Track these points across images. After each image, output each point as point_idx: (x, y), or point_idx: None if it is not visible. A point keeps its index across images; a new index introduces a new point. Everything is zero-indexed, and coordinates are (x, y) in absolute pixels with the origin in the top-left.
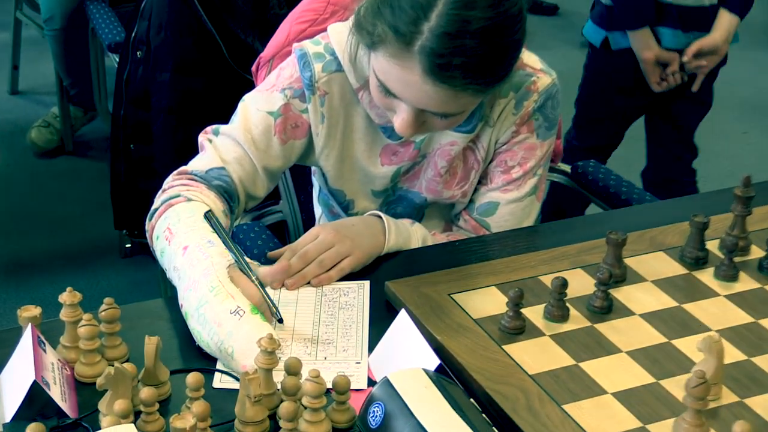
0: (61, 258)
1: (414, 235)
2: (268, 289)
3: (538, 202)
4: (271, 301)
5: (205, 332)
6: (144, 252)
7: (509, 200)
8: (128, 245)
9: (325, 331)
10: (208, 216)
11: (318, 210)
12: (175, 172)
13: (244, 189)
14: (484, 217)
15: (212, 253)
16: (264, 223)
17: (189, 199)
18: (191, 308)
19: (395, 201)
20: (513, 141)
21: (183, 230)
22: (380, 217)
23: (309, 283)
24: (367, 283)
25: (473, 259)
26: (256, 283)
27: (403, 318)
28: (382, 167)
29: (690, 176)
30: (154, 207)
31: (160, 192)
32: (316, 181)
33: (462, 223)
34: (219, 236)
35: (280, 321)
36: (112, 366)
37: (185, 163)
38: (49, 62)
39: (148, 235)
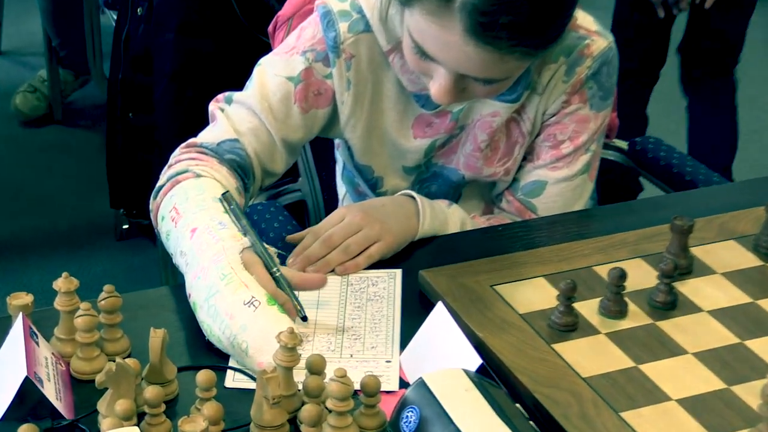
0: (50, 240)
1: (451, 217)
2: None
3: (590, 182)
4: (295, 297)
5: (215, 326)
6: (143, 234)
7: (558, 179)
8: (125, 226)
9: (352, 326)
10: (226, 198)
11: (342, 189)
12: (183, 144)
13: (260, 163)
14: (529, 197)
15: (224, 236)
16: (281, 203)
17: (198, 175)
18: (200, 299)
19: (429, 179)
20: (563, 112)
21: (191, 210)
22: (413, 197)
23: (333, 271)
24: (398, 272)
25: (518, 246)
26: (277, 274)
27: (439, 312)
28: (414, 140)
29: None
30: (159, 184)
31: (166, 168)
32: (339, 156)
33: (505, 204)
34: (234, 218)
35: (304, 319)
36: (113, 362)
37: (191, 135)
38: (36, 19)
39: (152, 215)
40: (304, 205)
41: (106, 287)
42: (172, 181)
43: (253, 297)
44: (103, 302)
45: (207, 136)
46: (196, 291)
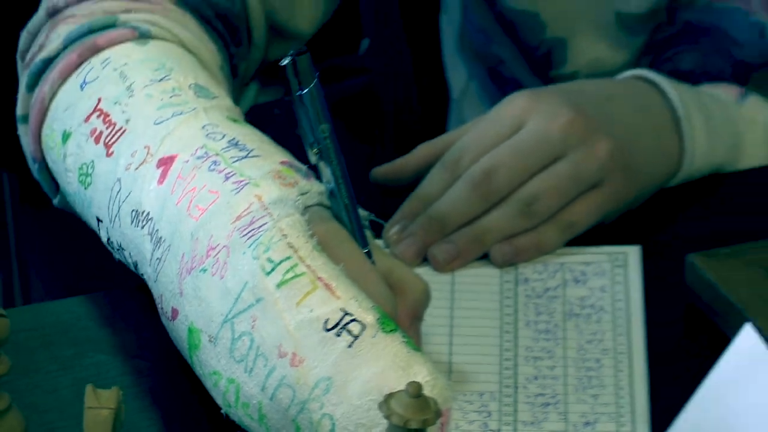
0: None
1: (750, 129)
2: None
3: None
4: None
5: (250, 382)
6: None
7: None
8: None
9: (536, 371)
10: (296, 62)
11: (459, 73)
12: None
13: (264, 14)
14: None
15: (256, 174)
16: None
17: (143, 35)
18: (209, 322)
19: (676, 38)
20: None
21: (148, 117)
22: (657, 84)
23: (485, 257)
24: (633, 252)
25: None
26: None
27: (747, 339)
28: None
29: None
30: (41, 58)
31: (47, 25)
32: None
33: None
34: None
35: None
36: None
37: None
38: None
39: (27, 130)
40: (375, 102)
41: None
42: (81, 46)
43: (345, 314)
44: None
45: None
46: (193, 305)
